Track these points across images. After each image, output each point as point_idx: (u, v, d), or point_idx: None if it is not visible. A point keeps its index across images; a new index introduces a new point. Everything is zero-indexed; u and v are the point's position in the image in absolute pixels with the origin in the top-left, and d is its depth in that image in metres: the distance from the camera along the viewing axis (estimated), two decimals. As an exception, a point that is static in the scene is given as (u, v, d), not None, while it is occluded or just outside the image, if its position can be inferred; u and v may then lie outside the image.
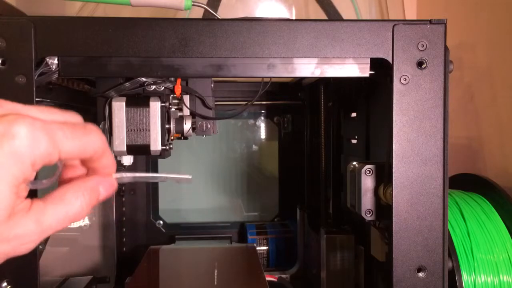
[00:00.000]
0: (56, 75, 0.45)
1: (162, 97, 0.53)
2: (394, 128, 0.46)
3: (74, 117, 0.29)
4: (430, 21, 0.45)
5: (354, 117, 0.73)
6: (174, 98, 0.56)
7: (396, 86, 0.45)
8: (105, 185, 0.30)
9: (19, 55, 0.43)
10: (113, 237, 0.90)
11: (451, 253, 0.53)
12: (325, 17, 0.84)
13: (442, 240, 0.46)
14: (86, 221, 0.86)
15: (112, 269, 0.89)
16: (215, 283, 0.66)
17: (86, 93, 0.64)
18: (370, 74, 0.47)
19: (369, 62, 0.46)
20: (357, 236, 0.69)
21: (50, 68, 0.45)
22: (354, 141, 0.73)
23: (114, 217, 0.91)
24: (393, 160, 0.46)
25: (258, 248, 0.90)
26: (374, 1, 0.92)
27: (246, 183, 1.03)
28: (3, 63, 0.43)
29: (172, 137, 0.56)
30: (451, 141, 0.46)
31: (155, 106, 0.52)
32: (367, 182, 0.51)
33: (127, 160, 0.56)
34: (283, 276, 0.88)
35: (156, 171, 0.96)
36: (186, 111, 0.56)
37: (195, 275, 0.72)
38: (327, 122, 0.77)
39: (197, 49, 0.45)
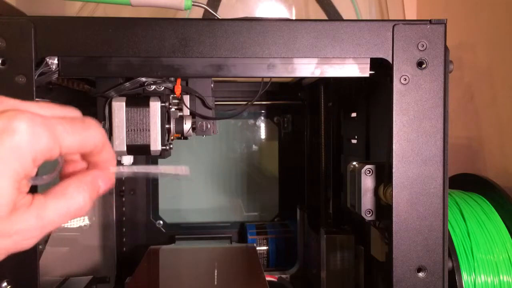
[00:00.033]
0: (56, 75, 0.45)
1: (162, 97, 0.53)
2: (394, 128, 0.46)
3: (73, 112, 0.29)
4: (430, 21, 0.45)
5: (354, 117, 0.73)
6: (174, 98, 0.56)
7: (396, 86, 0.45)
8: (103, 179, 0.30)
9: (19, 55, 0.43)
10: (113, 237, 0.90)
11: (451, 253, 0.53)
12: (325, 17, 0.84)
13: (442, 240, 0.46)
14: (86, 221, 0.86)
15: (112, 269, 0.89)
16: (215, 283, 0.66)
17: (86, 93, 0.64)
18: (370, 74, 0.47)
19: (369, 62, 0.46)
20: (357, 236, 0.69)
21: (50, 68, 0.45)
22: (354, 141, 0.73)
23: (114, 217, 0.91)
24: (393, 160, 0.46)
25: (258, 248, 0.90)
26: (374, 1, 0.92)
27: (246, 183, 1.03)
28: (3, 63, 0.43)
29: (172, 137, 0.56)
30: (451, 141, 0.46)
31: (155, 106, 0.52)
32: (367, 182, 0.51)
33: (127, 160, 0.56)
34: (283, 276, 0.88)
35: (156, 171, 0.96)
36: (186, 111, 0.56)
37: (195, 275, 0.72)
38: (327, 122, 0.77)
39: (197, 49, 0.45)
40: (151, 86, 0.53)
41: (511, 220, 0.56)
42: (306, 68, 0.46)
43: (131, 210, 0.94)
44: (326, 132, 0.77)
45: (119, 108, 0.52)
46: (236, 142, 1.03)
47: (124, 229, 0.93)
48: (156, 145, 0.52)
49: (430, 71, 0.45)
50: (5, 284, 0.43)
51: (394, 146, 0.46)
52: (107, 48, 0.44)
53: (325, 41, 0.45)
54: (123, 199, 0.93)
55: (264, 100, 0.95)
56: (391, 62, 0.45)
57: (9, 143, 0.24)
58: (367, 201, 0.52)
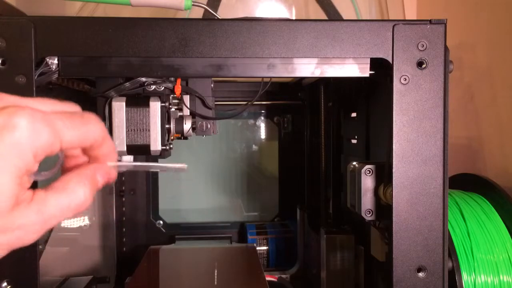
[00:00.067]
0: (56, 75, 0.45)
1: (162, 97, 0.53)
2: (394, 128, 0.46)
3: (73, 107, 0.30)
4: (430, 21, 0.45)
5: (354, 117, 0.73)
6: (174, 98, 0.56)
7: (396, 86, 0.45)
8: (101, 173, 0.30)
9: (19, 55, 0.43)
10: (113, 237, 0.90)
11: (451, 253, 0.53)
12: (325, 17, 0.84)
13: (442, 240, 0.46)
14: (86, 221, 0.86)
15: (112, 269, 0.89)
16: (215, 283, 0.66)
17: (86, 93, 0.64)
18: (370, 74, 0.47)
19: (369, 62, 0.46)
20: (357, 236, 0.69)
21: (50, 68, 0.45)
22: (354, 141, 0.73)
23: (114, 217, 0.91)
24: (393, 160, 0.46)
25: (258, 248, 0.90)
26: (374, 1, 0.92)
27: (246, 183, 1.03)
28: (3, 63, 0.43)
29: (172, 137, 0.56)
30: (451, 141, 0.46)
31: (155, 106, 0.52)
32: (367, 182, 0.51)
33: (127, 160, 0.56)
34: (283, 276, 0.88)
35: (156, 171, 0.96)
36: (186, 111, 0.56)
37: (195, 275, 0.72)
38: (327, 122, 0.77)
39: (197, 49, 0.45)
40: (151, 86, 0.53)
41: (511, 220, 0.56)
42: (306, 68, 0.46)
43: (131, 210, 0.94)
44: (326, 132, 0.77)
45: (119, 108, 0.52)
46: (236, 142, 1.03)
47: (124, 229, 0.93)
48: (156, 145, 0.52)
49: (430, 71, 0.45)
50: (5, 284, 0.43)
51: (394, 146, 0.46)
52: (107, 48, 0.44)
53: (325, 41, 0.45)
54: (123, 199, 0.93)
55: (264, 100, 0.95)
56: (391, 62, 0.45)
57: (10, 139, 0.24)
58: (367, 201, 0.52)
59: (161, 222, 0.96)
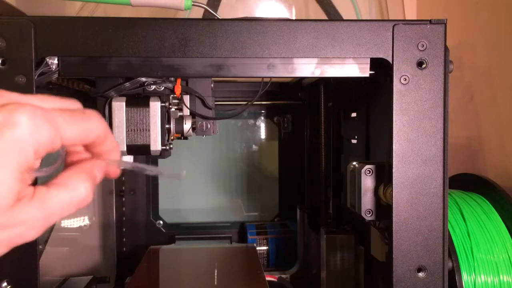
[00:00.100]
0: (56, 75, 0.45)
1: (162, 97, 0.53)
2: (394, 128, 0.46)
3: (73, 104, 0.30)
4: (430, 21, 0.45)
5: (354, 117, 0.73)
6: (174, 98, 0.56)
7: (396, 86, 0.45)
8: (99, 168, 0.30)
9: (19, 55, 0.43)
10: (113, 237, 0.90)
11: (451, 253, 0.53)
12: (325, 17, 0.84)
13: (442, 240, 0.46)
14: (86, 221, 0.86)
15: (112, 269, 0.89)
16: (215, 283, 0.66)
17: (86, 93, 0.64)
18: (370, 74, 0.47)
19: (369, 62, 0.46)
20: (357, 236, 0.69)
21: (50, 68, 0.45)
22: (354, 141, 0.73)
23: (114, 217, 0.91)
24: (393, 160, 0.46)
25: (258, 248, 0.90)
26: (374, 1, 0.92)
27: (246, 183, 1.03)
28: (3, 63, 0.43)
29: (172, 137, 0.56)
30: (451, 141, 0.46)
31: (155, 106, 0.52)
32: (367, 182, 0.51)
33: (127, 160, 0.56)
34: (283, 276, 0.88)
35: (156, 171, 0.96)
36: (186, 111, 0.56)
37: (195, 275, 0.72)
38: (327, 122, 0.77)
39: (197, 49, 0.45)
40: (151, 86, 0.53)
41: (511, 220, 0.56)
42: (306, 68, 0.46)
43: (131, 210, 0.94)
44: (326, 132, 0.77)
45: (119, 108, 0.52)
46: (236, 142, 1.03)
47: (124, 229, 0.93)
48: (156, 145, 0.52)
49: (430, 71, 0.45)
50: (5, 284, 0.43)
51: (394, 146, 0.46)
52: (107, 48, 0.44)
53: (325, 41, 0.45)
54: (123, 199, 0.93)
55: (264, 100, 0.95)
56: (391, 62, 0.45)
57: (11, 136, 0.24)
58: (367, 201, 0.52)
59: (161, 222, 0.96)
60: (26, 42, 0.43)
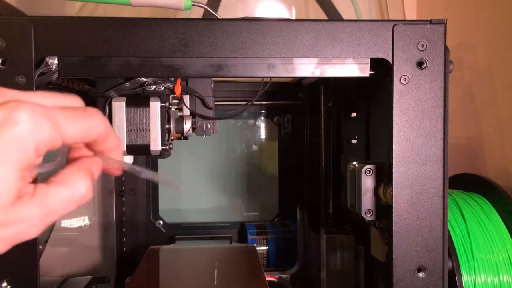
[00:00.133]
0: (56, 75, 0.45)
1: (162, 97, 0.53)
2: (394, 128, 0.46)
3: (75, 101, 0.30)
4: (430, 21, 0.45)
5: (354, 117, 0.73)
6: (174, 98, 0.56)
7: (396, 86, 0.45)
8: (96, 165, 0.30)
9: (19, 55, 0.43)
10: (113, 237, 0.90)
11: (451, 253, 0.53)
12: (325, 17, 0.84)
13: (442, 240, 0.46)
14: (86, 221, 0.86)
15: (112, 269, 0.89)
16: (215, 283, 0.66)
17: (86, 93, 0.64)
18: (370, 74, 0.47)
19: (369, 62, 0.46)
20: (357, 236, 0.69)
21: (50, 68, 0.45)
22: (354, 141, 0.73)
23: (114, 217, 0.91)
24: (393, 160, 0.46)
25: (258, 248, 0.90)
26: (374, 1, 0.92)
27: (246, 183, 1.03)
28: (3, 63, 0.43)
29: (172, 137, 0.56)
30: (451, 141, 0.46)
31: (155, 106, 0.52)
32: (367, 182, 0.51)
33: (127, 160, 0.56)
34: (283, 276, 0.88)
35: (156, 171, 0.96)
36: (186, 111, 0.56)
37: (195, 275, 0.72)
38: (327, 122, 0.77)
39: (197, 49, 0.45)
40: (151, 86, 0.53)
41: (511, 220, 0.56)
42: (306, 68, 0.46)
43: (131, 210, 0.94)
44: (326, 132, 0.77)
45: (119, 108, 0.52)
46: (236, 142, 1.03)
47: (124, 229, 0.93)
48: (156, 145, 0.52)
49: (430, 71, 0.45)
50: (5, 284, 0.43)
51: (394, 146, 0.46)
52: (107, 48, 0.44)
53: (325, 41, 0.45)
54: (123, 199, 0.93)
55: (264, 100, 0.95)
56: (391, 62, 0.45)
57: (11, 133, 0.24)
58: (367, 201, 0.52)
59: (161, 222, 0.96)
60: (26, 42, 0.43)
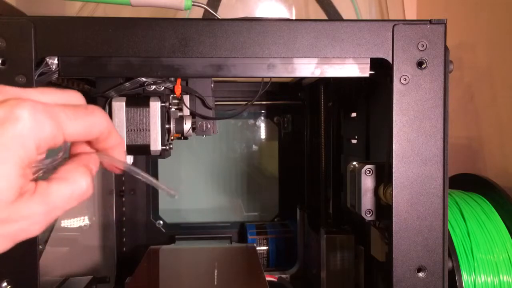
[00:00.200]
0: (56, 75, 0.45)
1: (162, 97, 0.53)
2: (394, 128, 0.46)
3: (76, 97, 0.29)
4: (430, 21, 0.45)
5: (354, 117, 0.73)
6: (174, 98, 0.56)
7: (396, 86, 0.45)
8: (93, 162, 0.30)
9: (19, 55, 0.43)
10: (113, 237, 0.90)
11: (451, 253, 0.53)
12: (325, 17, 0.84)
13: (442, 240, 0.46)
14: (86, 221, 0.86)
15: (112, 269, 0.89)
16: (215, 283, 0.66)
17: (86, 93, 0.64)
18: (370, 74, 0.47)
19: (369, 62, 0.46)
20: (357, 236, 0.69)
21: (50, 68, 0.45)
22: (354, 141, 0.73)
23: (114, 217, 0.91)
24: (393, 160, 0.46)
25: (258, 248, 0.90)
26: (374, 1, 0.92)
27: (246, 183, 1.03)
28: (3, 63, 0.43)
29: (172, 137, 0.56)
30: (451, 141, 0.46)
31: (155, 106, 0.52)
32: (367, 182, 0.51)
33: (127, 160, 0.56)
34: (283, 276, 0.88)
35: (156, 171, 0.96)
36: (186, 111, 0.56)
37: (195, 275, 0.72)
38: (327, 122, 0.77)
39: (197, 49, 0.45)
40: (151, 86, 0.53)
41: (511, 220, 0.56)
42: (306, 68, 0.46)
43: (131, 210, 0.94)
44: (326, 132, 0.77)
45: (119, 108, 0.52)
46: (236, 142, 1.03)
47: (124, 229, 0.93)
48: (156, 145, 0.52)
49: (430, 71, 0.45)
50: (5, 284, 0.43)
51: (394, 146, 0.46)
52: (107, 48, 0.44)
53: (325, 41, 0.45)
54: (123, 199, 0.93)
55: (264, 100, 0.95)
56: (391, 62, 0.45)
57: (12, 131, 0.24)
58: (367, 201, 0.52)
59: (161, 222, 0.96)
60: (26, 42, 0.43)
